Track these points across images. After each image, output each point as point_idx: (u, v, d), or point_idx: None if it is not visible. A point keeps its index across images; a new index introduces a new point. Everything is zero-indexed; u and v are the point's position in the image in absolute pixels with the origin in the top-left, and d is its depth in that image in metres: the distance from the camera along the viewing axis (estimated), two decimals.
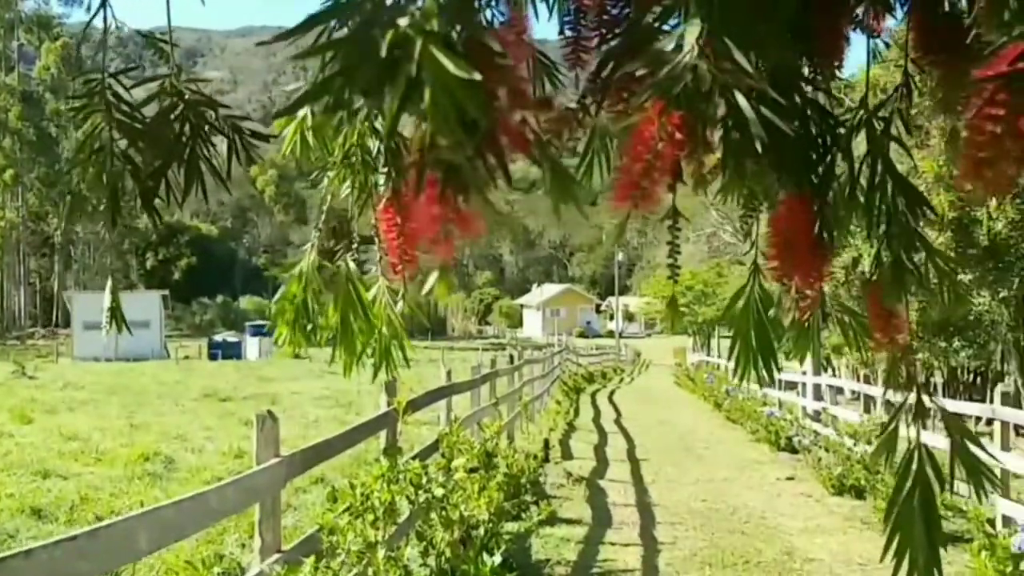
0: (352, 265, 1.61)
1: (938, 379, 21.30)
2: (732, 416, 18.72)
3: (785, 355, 1.67)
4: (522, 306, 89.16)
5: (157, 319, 43.42)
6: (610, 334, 71.25)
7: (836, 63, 1.76)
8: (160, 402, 19.93)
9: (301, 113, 1.85)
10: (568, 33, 1.79)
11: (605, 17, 1.75)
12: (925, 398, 1.47)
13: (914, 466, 1.39)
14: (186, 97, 1.51)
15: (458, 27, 0.75)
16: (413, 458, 5.92)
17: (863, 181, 1.59)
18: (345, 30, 0.75)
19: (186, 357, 40.95)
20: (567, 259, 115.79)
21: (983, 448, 1.37)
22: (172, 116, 1.51)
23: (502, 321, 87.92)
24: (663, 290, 53.42)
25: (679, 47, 1.21)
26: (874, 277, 1.60)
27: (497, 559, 5.67)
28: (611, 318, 76.10)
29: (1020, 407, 10.04)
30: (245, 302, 77.01)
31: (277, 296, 1.65)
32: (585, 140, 1.62)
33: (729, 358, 1.53)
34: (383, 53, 0.69)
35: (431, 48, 0.68)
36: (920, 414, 1.46)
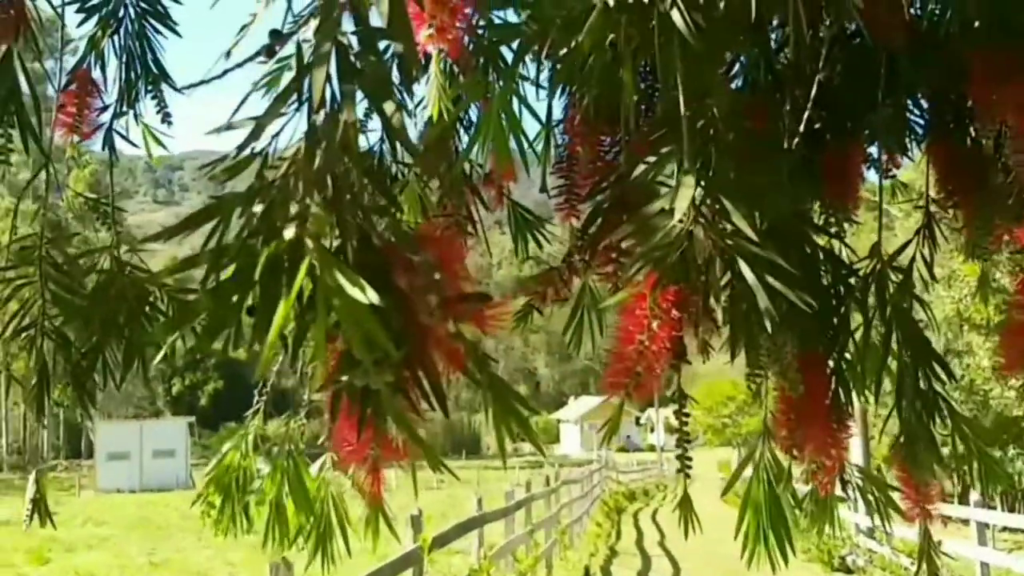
0: (295, 438, 1.47)
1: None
2: None
3: (802, 531, 1.50)
4: (559, 421, 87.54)
5: (183, 447, 42.10)
6: (651, 448, 69.39)
7: (849, 205, 1.64)
8: (183, 536, 19.44)
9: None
10: (559, 182, 1.69)
11: (598, 164, 1.65)
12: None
13: None
14: (127, 272, 1.42)
15: (367, 228, 0.64)
16: None
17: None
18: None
19: None
20: (604, 369, 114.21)
21: None
22: (111, 291, 1.42)
23: (540, 437, 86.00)
24: (704, 400, 52.13)
25: (671, 210, 1.09)
26: (900, 442, 1.43)
27: None
28: (651, 430, 74.25)
29: None
30: (274, 426, 75.97)
31: (210, 468, 1.51)
32: (574, 301, 1.50)
33: (736, 534, 1.36)
34: (257, 273, 0.57)
35: (324, 266, 0.57)
36: None
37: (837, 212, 1.63)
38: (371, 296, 0.57)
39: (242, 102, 0.68)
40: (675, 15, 0.95)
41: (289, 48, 0.92)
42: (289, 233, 0.60)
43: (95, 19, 1.83)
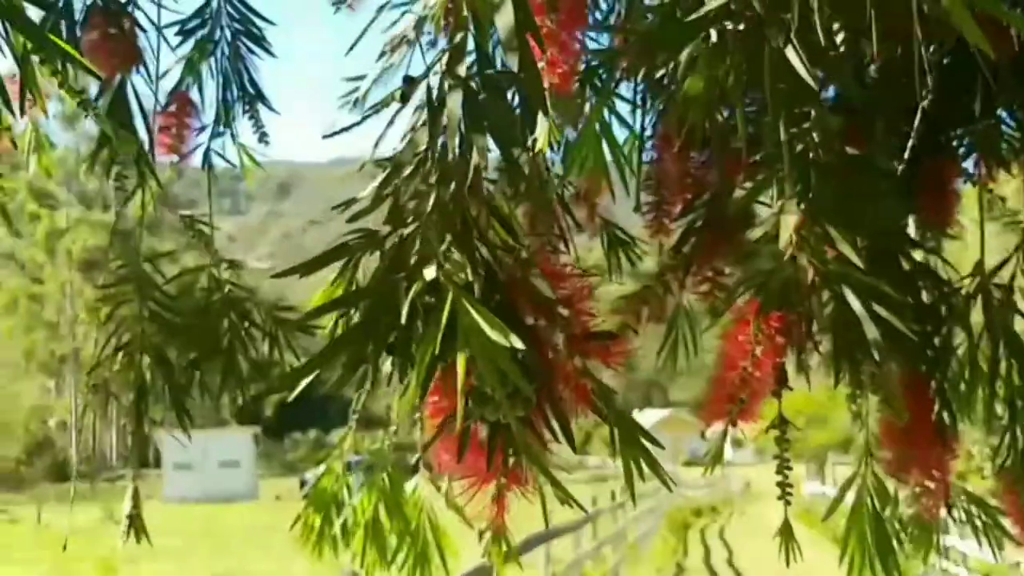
0: (389, 454, 1.49)
1: None
2: None
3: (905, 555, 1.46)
4: None
5: (248, 458, 41.67)
6: None
7: (945, 221, 1.61)
8: (247, 548, 19.59)
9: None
10: (649, 198, 1.70)
11: (688, 181, 1.65)
12: None
13: None
14: (226, 290, 1.47)
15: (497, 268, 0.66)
16: None
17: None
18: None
19: (277, 497, 37.70)
20: (668, 381, 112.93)
21: None
22: (211, 310, 1.47)
23: (604, 449, 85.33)
24: (773, 414, 50.73)
25: (773, 236, 1.09)
26: (1006, 463, 1.40)
27: None
28: None
29: None
30: (339, 436, 75.52)
31: (307, 487, 1.55)
32: (668, 319, 1.50)
33: (841, 560, 1.34)
34: (404, 310, 0.60)
35: (463, 308, 0.59)
36: None
37: (933, 228, 1.61)
38: (513, 340, 0.59)
39: (373, 149, 0.72)
40: (789, 53, 0.95)
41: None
42: (430, 274, 0.62)
43: (191, 41, 1.90)
